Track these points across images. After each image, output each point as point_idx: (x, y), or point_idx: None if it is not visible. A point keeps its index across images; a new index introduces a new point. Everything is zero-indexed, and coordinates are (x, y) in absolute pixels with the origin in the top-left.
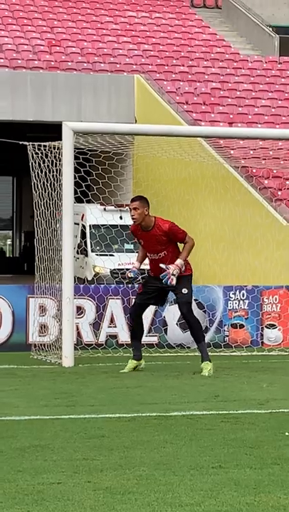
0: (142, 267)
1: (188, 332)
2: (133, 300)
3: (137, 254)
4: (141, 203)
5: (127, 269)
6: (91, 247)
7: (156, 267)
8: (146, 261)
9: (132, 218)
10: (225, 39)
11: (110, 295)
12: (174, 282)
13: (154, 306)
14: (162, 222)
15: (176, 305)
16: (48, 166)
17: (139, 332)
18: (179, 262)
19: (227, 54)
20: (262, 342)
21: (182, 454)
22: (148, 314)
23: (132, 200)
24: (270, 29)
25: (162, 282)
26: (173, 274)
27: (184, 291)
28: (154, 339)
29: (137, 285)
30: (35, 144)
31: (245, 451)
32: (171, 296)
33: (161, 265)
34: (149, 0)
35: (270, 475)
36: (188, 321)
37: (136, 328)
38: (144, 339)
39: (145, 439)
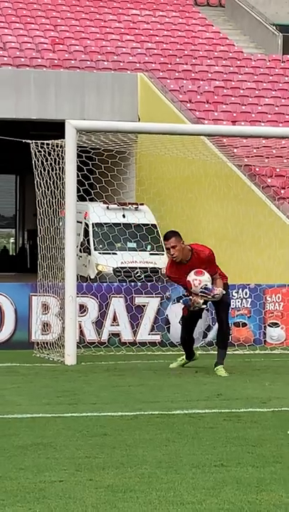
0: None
1: None
2: (136, 299)
3: (140, 252)
4: (176, 238)
5: (142, 268)
6: (94, 245)
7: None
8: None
9: (173, 257)
10: (228, 37)
11: (113, 293)
12: (198, 305)
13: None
14: (200, 250)
15: (178, 303)
16: (50, 164)
17: (191, 344)
18: (220, 290)
19: (230, 52)
20: (264, 340)
21: (184, 452)
22: (150, 313)
23: (166, 239)
24: (274, 27)
25: (182, 302)
26: (213, 297)
27: (227, 299)
28: (157, 337)
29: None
30: (38, 142)
31: (248, 449)
32: (174, 294)
33: (182, 301)
34: None
35: (272, 473)
36: (223, 328)
37: (186, 344)
38: (147, 337)
39: (147, 438)
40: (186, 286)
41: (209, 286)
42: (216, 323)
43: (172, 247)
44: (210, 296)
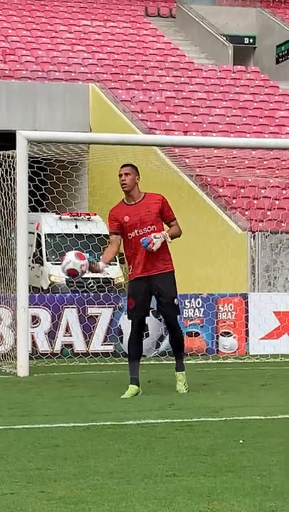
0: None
1: (144, 341)
2: (88, 309)
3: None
4: (132, 168)
5: (95, 279)
6: (46, 256)
7: (140, 246)
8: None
9: (123, 183)
10: (179, 48)
11: (65, 304)
12: (155, 247)
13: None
14: (154, 193)
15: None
16: (1, 175)
17: (141, 350)
18: (164, 232)
19: (181, 63)
20: (217, 350)
21: (136, 462)
22: (103, 324)
23: (123, 166)
24: (224, 38)
25: (144, 246)
26: (155, 238)
27: (176, 301)
28: (110, 348)
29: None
30: None
31: (200, 459)
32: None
33: (142, 240)
34: (104, 9)
35: (223, 482)
36: (175, 333)
37: (136, 348)
38: (99, 348)
39: (100, 449)
40: (125, 227)
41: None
42: (166, 334)
43: (126, 173)
44: (152, 238)
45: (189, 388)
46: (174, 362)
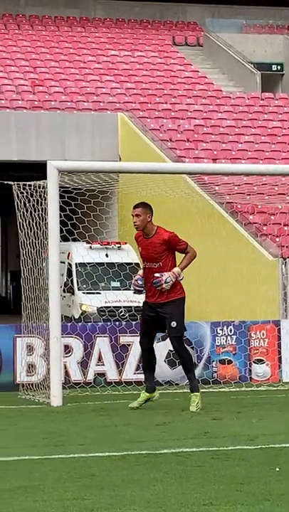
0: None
1: (176, 369)
2: (121, 338)
3: (124, 291)
4: (143, 209)
5: (127, 308)
6: (77, 285)
7: (150, 277)
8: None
9: (134, 225)
10: (207, 76)
11: (97, 333)
12: (164, 286)
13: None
14: (164, 231)
15: (163, 342)
16: (33, 205)
17: (151, 362)
18: (176, 269)
19: (210, 91)
20: (250, 377)
21: (173, 491)
22: (136, 352)
23: (135, 207)
24: (252, 65)
25: (156, 288)
26: (166, 282)
27: (173, 324)
28: (143, 376)
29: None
30: (20, 183)
31: (236, 487)
32: (158, 333)
33: (157, 274)
34: (131, 39)
35: (261, 511)
36: (179, 354)
37: (147, 358)
38: (132, 377)
39: (135, 478)
40: (140, 254)
41: (157, 274)
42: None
43: (136, 215)
44: (163, 283)
45: (201, 408)
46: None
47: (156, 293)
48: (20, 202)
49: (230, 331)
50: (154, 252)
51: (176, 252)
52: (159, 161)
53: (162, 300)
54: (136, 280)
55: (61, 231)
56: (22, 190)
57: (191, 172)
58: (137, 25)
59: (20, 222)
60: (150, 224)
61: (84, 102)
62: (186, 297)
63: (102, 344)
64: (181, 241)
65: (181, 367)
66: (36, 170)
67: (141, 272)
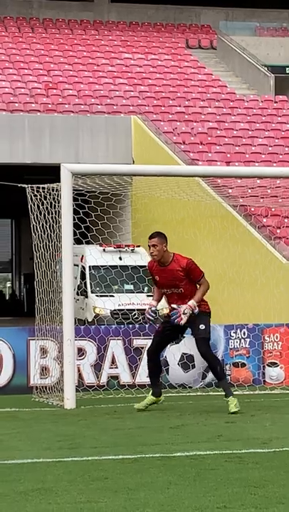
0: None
1: (190, 372)
2: (134, 340)
3: (137, 294)
4: (160, 239)
5: (140, 310)
6: (91, 288)
7: (173, 302)
8: (164, 303)
9: (152, 255)
10: (221, 79)
11: (111, 336)
12: (182, 322)
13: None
14: (181, 258)
15: (177, 344)
16: (46, 207)
17: (157, 370)
18: (191, 302)
19: (223, 94)
20: (264, 380)
21: (186, 494)
22: None
23: (151, 237)
24: (265, 68)
25: (173, 321)
26: (184, 313)
27: (202, 326)
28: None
29: (157, 324)
30: (34, 186)
31: (250, 490)
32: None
33: (173, 305)
34: (145, 42)
35: None
36: (206, 359)
37: (152, 367)
38: (146, 379)
39: (149, 481)
40: (157, 282)
41: (174, 306)
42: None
43: (153, 245)
44: (181, 315)
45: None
46: (221, 393)
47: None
48: (34, 205)
49: (244, 334)
50: (175, 278)
51: None
52: (172, 164)
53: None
54: (149, 311)
55: (74, 234)
56: (36, 192)
57: (205, 175)
58: (151, 28)
59: (33, 225)
60: (167, 252)
61: (97, 104)
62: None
63: (116, 347)
64: (198, 269)
65: (193, 370)
66: (50, 173)
67: (154, 302)
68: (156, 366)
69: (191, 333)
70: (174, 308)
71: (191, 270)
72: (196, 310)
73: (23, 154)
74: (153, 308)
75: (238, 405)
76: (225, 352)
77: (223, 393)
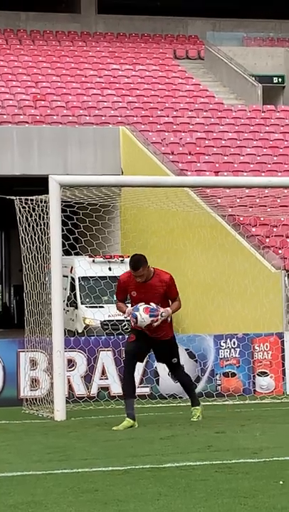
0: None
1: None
2: (124, 351)
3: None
4: (143, 267)
5: (120, 321)
6: (81, 299)
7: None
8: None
9: (139, 281)
10: (208, 89)
11: (101, 347)
12: (155, 324)
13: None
14: (162, 273)
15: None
16: (35, 219)
17: (135, 388)
18: (168, 309)
19: (211, 104)
20: (254, 390)
21: (177, 506)
22: (139, 366)
23: (135, 269)
24: (253, 78)
25: (149, 315)
26: (161, 315)
27: (174, 360)
28: (146, 390)
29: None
30: (22, 198)
31: (240, 501)
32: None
33: (152, 304)
34: (133, 53)
35: None
36: (181, 381)
37: (131, 384)
38: (136, 390)
39: (139, 492)
40: (133, 297)
41: (154, 306)
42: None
43: (140, 276)
44: (158, 316)
45: (202, 419)
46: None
47: (155, 329)
48: (23, 216)
49: (234, 343)
50: (154, 294)
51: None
52: (161, 175)
53: (160, 337)
54: (132, 317)
55: (63, 245)
56: (24, 204)
57: (194, 185)
58: (138, 39)
59: (22, 237)
60: (149, 270)
61: (86, 115)
62: (184, 316)
63: (106, 358)
64: (175, 287)
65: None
66: (38, 184)
67: (130, 309)
68: (133, 387)
69: (156, 359)
70: (152, 309)
71: (172, 286)
72: (169, 319)
73: (11, 166)
74: (134, 315)
75: (201, 417)
76: (215, 362)
77: (191, 404)
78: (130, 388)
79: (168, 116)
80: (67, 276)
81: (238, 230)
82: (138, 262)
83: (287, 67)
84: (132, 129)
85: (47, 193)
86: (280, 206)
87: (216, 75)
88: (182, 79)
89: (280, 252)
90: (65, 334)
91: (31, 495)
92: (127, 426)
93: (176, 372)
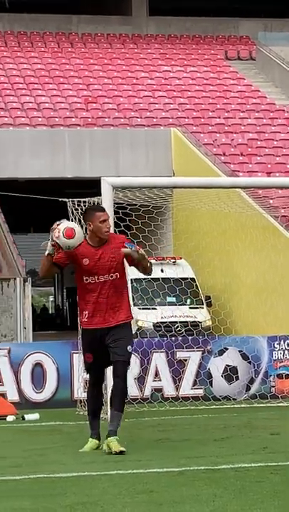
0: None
1: (234, 384)
2: (177, 353)
3: (179, 306)
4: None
5: (183, 323)
6: (133, 300)
7: (103, 293)
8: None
9: (106, 233)
10: (260, 90)
11: (154, 348)
12: (141, 251)
13: (199, 358)
14: (117, 235)
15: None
16: None
17: (101, 404)
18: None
19: (263, 104)
20: None
21: (232, 507)
22: (192, 368)
23: (103, 210)
24: None
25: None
26: (140, 252)
27: (129, 348)
28: (200, 392)
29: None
30: (75, 200)
31: None
32: (215, 347)
33: (127, 244)
34: (184, 54)
35: None
36: (120, 386)
37: (96, 399)
38: (190, 392)
39: (194, 493)
40: (88, 268)
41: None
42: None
43: (106, 220)
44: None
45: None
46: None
47: (106, 314)
48: (75, 218)
49: (288, 345)
50: (112, 259)
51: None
52: (212, 176)
53: (113, 323)
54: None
55: None
56: (77, 206)
57: (246, 186)
58: (189, 40)
59: None
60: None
61: (137, 118)
62: (237, 317)
63: (159, 360)
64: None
65: (237, 382)
66: (90, 186)
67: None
68: (101, 397)
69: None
70: (131, 241)
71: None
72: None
73: (63, 169)
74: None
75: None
76: (269, 363)
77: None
78: (95, 405)
79: (219, 118)
80: None
81: None
82: (101, 206)
83: None
84: (184, 130)
85: (99, 195)
86: None
87: (267, 76)
88: (233, 80)
89: None
90: None
91: (86, 496)
92: (93, 447)
93: (125, 370)
